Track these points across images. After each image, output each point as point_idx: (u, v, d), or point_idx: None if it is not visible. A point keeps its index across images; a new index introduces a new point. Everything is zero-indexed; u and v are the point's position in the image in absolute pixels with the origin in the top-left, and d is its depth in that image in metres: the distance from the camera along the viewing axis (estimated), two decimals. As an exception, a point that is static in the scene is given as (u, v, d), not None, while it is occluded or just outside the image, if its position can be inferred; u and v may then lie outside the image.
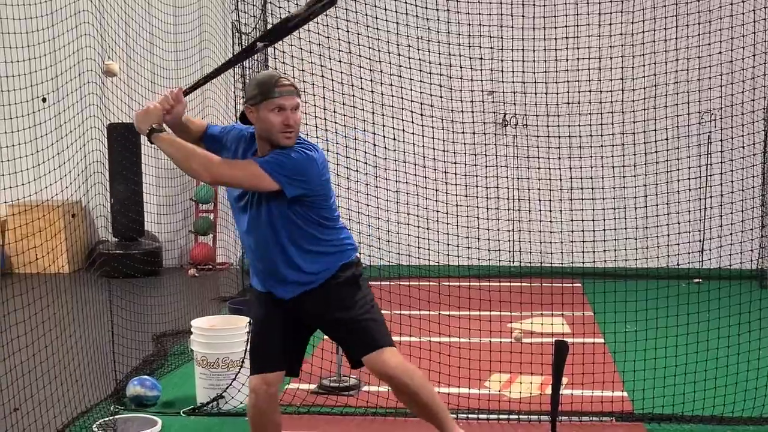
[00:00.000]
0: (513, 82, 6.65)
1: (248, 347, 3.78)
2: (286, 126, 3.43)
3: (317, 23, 6.75)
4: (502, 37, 6.60)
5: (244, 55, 3.72)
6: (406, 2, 6.48)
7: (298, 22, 3.60)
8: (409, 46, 6.61)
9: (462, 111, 7.20)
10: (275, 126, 3.44)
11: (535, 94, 6.72)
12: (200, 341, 5.11)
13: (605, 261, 7.17)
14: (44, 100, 5.85)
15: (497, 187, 8.68)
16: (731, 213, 7.45)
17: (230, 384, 5.06)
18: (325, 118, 6.57)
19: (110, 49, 6.30)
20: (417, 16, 6.61)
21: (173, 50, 8.43)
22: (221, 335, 5.15)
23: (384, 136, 6.90)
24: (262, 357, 3.71)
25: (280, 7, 7.28)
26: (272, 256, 3.55)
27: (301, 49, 6.84)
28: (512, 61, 6.65)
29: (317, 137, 6.77)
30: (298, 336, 3.77)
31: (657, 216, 6.96)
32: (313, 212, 3.52)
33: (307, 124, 6.74)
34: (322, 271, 3.59)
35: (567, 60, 6.97)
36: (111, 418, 4.80)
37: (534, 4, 6.90)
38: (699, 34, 6.37)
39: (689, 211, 7.11)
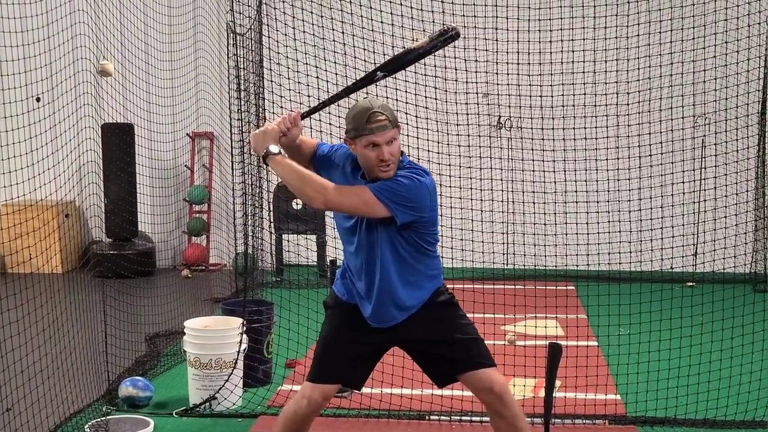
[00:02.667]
0: (508, 84, 6.65)
1: (317, 352, 3.66)
2: (381, 161, 3.39)
3: (312, 24, 6.75)
4: (497, 40, 6.60)
5: (363, 83, 3.61)
6: (401, 4, 6.47)
7: (420, 54, 3.57)
8: (403, 47, 6.60)
9: (457, 113, 7.19)
10: (371, 161, 3.40)
11: (530, 96, 6.73)
12: (193, 342, 5.11)
13: (599, 264, 7.18)
14: (38, 99, 5.83)
15: (491, 190, 8.68)
16: (725, 217, 7.47)
17: (223, 385, 5.06)
18: (319, 120, 6.55)
19: (105, 49, 6.28)
20: (412, 18, 6.60)
21: (168, 51, 8.42)
22: (214, 336, 5.15)
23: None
24: (332, 367, 3.62)
25: (275, 8, 7.28)
26: (376, 279, 3.51)
27: (296, 50, 6.84)
28: (507, 63, 6.65)
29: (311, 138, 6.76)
30: (377, 354, 3.72)
31: (651, 219, 6.97)
32: (419, 237, 3.50)
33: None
34: (420, 296, 3.57)
35: (562, 63, 6.98)
36: (103, 418, 4.79)
37: (529, 7, 6.91)
38: (693, 38, 6.38)
39: (683, 215, 7.12)
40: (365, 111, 3.39)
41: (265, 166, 3.50)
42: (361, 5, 6.61)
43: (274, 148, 3.44)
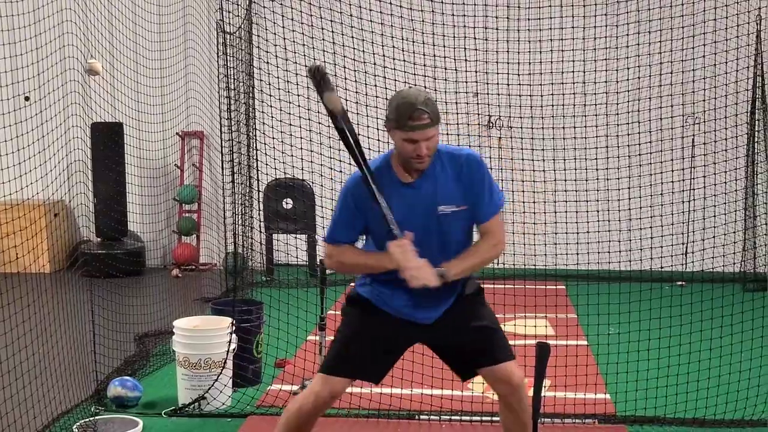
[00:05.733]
0: (498, 84, 6.64)
1: (337, 344, 3.60)
2: (417, 156, 3.33)
3: (302, 23, 6.73)
4: (487, 39, 6.60)
5: (353, 142, 3.39)
6: (390, 3, 6.46)
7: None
8: (393, 47, 6.60)
9: (447, 112, 7.17)
10: (407, 153, 3.34)
11: (521, 96, 6.72)
12: (182, 342, 5.09)
13: (589, 263, 7.18)
14: (27, 98, 5.80)
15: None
16: (715, 216, 7.48)
17: (212, 385, 5.04)
18: (309, 119, 6.55)
19: (93, 48, 6.25)
20: (402, 17, 6.59)
21: (157, 49, 8.39)
22: (203, 336, 5.13)
23: (368, 138, 6.89)
24: (353, 360, 3.55)
25: (265, 7, 7.26)
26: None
27: (285, 49, 6.82)
28: (497, 62, 6.65)
29: (301, 138, 6.76)
30: (403, 349, 3.68)
31: (641, 218, 6.99)
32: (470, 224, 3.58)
33: (291, 124, 6.73)
34: (459, 283, 3.56)
35: (552, 62, 6.99)
36: (92, 419, 4.77)
37: (519, 6, 6.90)
38: (683, 38, 6.39)
39: (673, 214, 7.11)
40: (409, 107, 3.28)
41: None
42: (350, 4, 6.60)
43: (440, 270, 3.35)
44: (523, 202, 7.64)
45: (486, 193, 3.46)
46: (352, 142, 3.36)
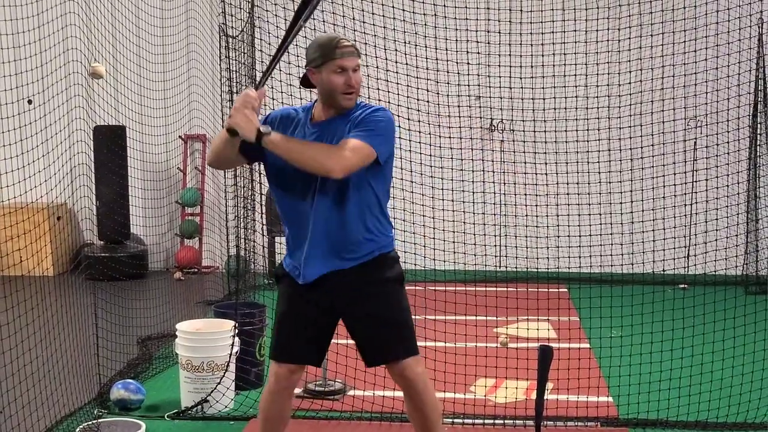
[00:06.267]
0: (500, 87, 6.66)
1: (272, 330, 3.66)
2: (347, 86, 3.41)
3: (304, 27, 6.74)
4: (489, 42, 6.61)
5: (295, 26, 3.43)
6: (393, 7, 6.48)
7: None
8: (396, 50, 6.61)
9: (449, 116, 7.19)
10: (337, 87, 3.41)
11: (522, 99, 6.75)
12: (185, 345, 5.10)
13: (591, 266, 7.20)
14: (30, 101, 5.82)
15: (484, 192, 8.70)
16: (717, 219, 7.49)
17: (215, 388, 5.05)
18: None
19: (97, 52, 6.26)
20: (404, 21, 6.61)
21: (160, 53, 8.41)
22: (206, 339, 5.13)
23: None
24: (285, 345, 3.60)
25: (267, 11, 7.27)
26: (308, 230, 3.47)
27: (288, 53, 6.82)
28: (500, 66, 6.67)
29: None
30: (323, 325, 3.63)
31: (643, 221, 6.99)
32: (375, 187, 3.48)
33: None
34: (354, 255, 3.49)
35: (554, 66, 6.99)
36: (95, 421, 4.78)
37: (521, 10, 6.92)
38: (685, 41, 6.40)
39: (675, 217, 7.13)
40: (332, 38, 3.46)
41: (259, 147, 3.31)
42: (353, 8, 6.61)
43: (265, 128, 3.30)
44: (525, 206, 7.66)
45: (364, 126, 3.40)
46: (300, 20, 3.42)
